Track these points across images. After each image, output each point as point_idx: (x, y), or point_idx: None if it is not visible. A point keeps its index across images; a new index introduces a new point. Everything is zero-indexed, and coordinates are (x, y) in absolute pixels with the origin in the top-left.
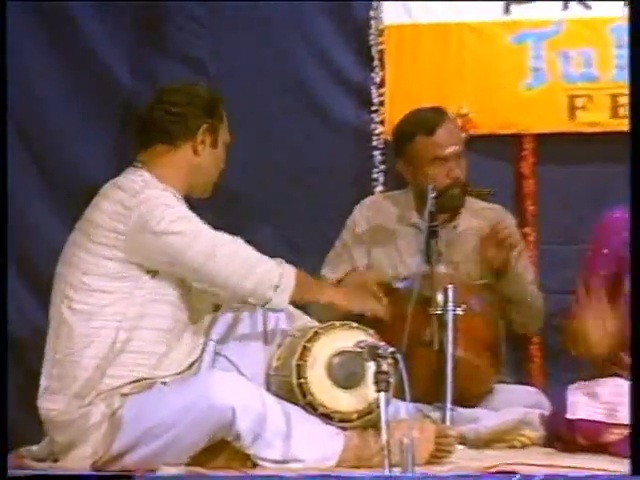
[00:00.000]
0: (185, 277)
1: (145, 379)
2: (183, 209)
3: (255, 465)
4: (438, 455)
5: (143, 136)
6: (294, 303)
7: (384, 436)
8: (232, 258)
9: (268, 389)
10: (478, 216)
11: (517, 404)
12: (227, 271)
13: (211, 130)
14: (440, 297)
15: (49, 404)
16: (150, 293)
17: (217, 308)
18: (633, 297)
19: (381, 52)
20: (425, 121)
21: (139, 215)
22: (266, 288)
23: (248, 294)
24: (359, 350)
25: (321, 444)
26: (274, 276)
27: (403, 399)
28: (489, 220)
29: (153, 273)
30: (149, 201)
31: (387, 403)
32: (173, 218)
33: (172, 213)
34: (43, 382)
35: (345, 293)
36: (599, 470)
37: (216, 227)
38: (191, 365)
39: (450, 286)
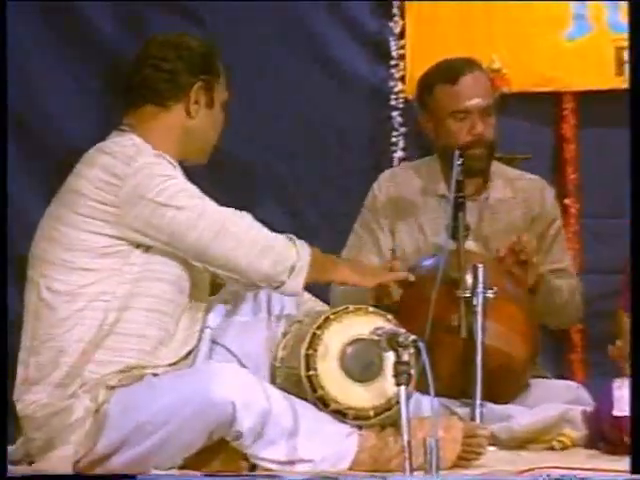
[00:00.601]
0: (184, 257)
1: (137, 367)
2: (183, 180)
3: (254, 467)
4: (466, 457)
5: (129, 96)
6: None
7: (405, 436)
8: (242, 238)
9: (273, 382)
10: (513, 186)
11: (556, 400)
12: (236, 253)
13: (206, 88)
14: (469, 278)
15: (27, 396)
16: (142, 270)
17: (214, 290)
18: (633, 297)
19: None
20: (448, 69)
21: (134, 185)
22: (280, 272)
23: (260, 278)
24: (376, 338)
25: (333, 444)
26: (289, 258)
27: (426, 393)
28: (526, 192)
29: (145, 247)
30: (145, 169)
31: (408, 398)
32: (174, 191)
33: (173, 185)
34: (20, 373)
35: (361, 271)
36: None
37: (215, 199)
38: (187, 355)
39: (480, 265)
